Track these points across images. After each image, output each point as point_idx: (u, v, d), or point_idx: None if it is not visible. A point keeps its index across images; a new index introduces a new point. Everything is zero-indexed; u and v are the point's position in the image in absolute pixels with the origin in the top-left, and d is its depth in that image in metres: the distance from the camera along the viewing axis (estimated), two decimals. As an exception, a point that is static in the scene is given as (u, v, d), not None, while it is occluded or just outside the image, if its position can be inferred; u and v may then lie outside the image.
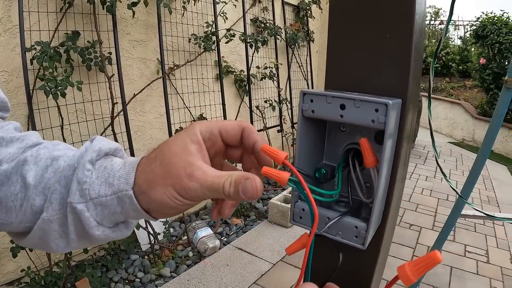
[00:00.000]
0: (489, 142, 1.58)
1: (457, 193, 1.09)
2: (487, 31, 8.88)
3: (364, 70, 0.48)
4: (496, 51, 8.59)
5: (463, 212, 1.70)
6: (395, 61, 0.45)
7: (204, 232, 3.54)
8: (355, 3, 0.48)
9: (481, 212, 1.29)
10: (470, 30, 11.48)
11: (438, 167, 6.78)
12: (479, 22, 9.52)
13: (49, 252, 0.49)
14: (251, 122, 4.70)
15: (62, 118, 2.73)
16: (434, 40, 13.82)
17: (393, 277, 0.40)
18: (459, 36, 14.00)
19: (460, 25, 13.92)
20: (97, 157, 0.49)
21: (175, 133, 3.49)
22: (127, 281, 3.03)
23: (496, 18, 9.07)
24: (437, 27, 15.15)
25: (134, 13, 2.97)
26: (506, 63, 8.41)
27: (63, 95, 2.44)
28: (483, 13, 9.87)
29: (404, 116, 0.45)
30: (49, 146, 0.52)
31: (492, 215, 1.22)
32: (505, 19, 8.84)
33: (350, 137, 0.52)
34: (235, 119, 4.68)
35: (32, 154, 0.49)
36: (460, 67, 11.58)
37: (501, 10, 8.98)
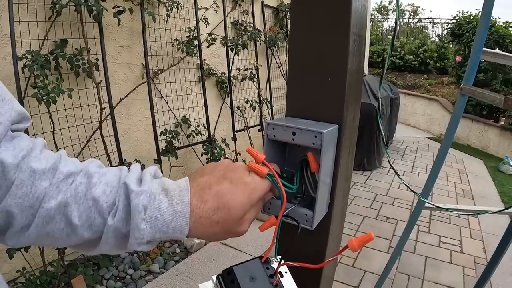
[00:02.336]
0: (448, 142, 1.75)
1: (412, 191, 1.25)
2: (463, 29, 9.13)
3: (314, 102, 0.72)
4: (471, 49, 8.81)
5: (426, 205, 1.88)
6: (334, 97, 0.66)
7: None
8: (307, 53, 0.69)
9: (431, 204, 1.46)
10: (447, 28, 11.73)
11: (414, 163, 6.99)
12: (455, 21, 9.77)
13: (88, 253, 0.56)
14: (232, 122, 4.85)
15: (53, 124, 2.84)
16: (412, 38, 14.10)
17: (344, 246, 0.59)
18: (436, 34, 14.30)
19: (438, 23, 14.23)
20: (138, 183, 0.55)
21: (159, 135, 3.61)
22: (118, 278, 3.16)
23: (471, 17, 9.33)
24: (416, 25, 15.44)
25: (120, 20, 3.09)
26: (482, 60, 8.64)
27: (55, 102, 2.55)
28: (459, 12, 10.14)
29: (341, 135, 0.66)
30: (84, 181, 0.54)
31: (442, 206, 1.39)
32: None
33: (303, 151, 0.75)
34: (217, 119, 4.82)
35: (71, 194, 0.52)
36: (438, 64, 11.84)
37: (477, 10, 9.22)
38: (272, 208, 0.72)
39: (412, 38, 14.08)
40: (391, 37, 14.05)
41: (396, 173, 1.02)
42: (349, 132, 0.73)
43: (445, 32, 13.08)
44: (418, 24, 15.51)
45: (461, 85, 1.62)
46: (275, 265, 0.61)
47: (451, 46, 11.69)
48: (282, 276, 0.60)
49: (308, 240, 0.77)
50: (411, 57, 12.10)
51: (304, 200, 0.74)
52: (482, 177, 6.73)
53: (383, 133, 0.94)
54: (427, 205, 1.75)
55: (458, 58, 9.54)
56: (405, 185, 1.10)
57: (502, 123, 8.40)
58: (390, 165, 0.93)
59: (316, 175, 0.71)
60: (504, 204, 5.39)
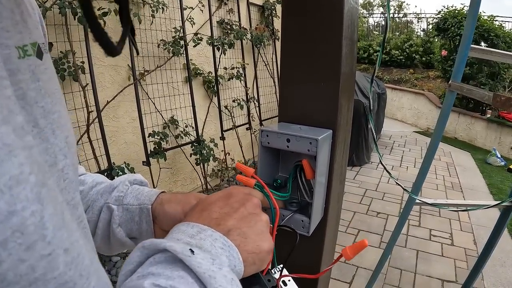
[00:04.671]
0: (437, 139, 1.76)
1: (404, 188, 1.25)
2: (448, 24, 9.16)
3: (307, 108, 0.73)
4: (457, 43, 8.88)
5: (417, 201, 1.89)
6: (328, 102, 0.67)
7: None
8: (300, 59, 0.69)
9: (422, 201, 1.46)
10: (433, 23, 11.80)
11: (402, 157, 7.03)
12: (441, 15, 9.80)
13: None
14: (221, 122, 4.84)
15: (40, 129, 2.78)
16: (398, 33, 14.17)
17: (338, 256, 0.61)
18: (422, 29, 14.38)
19: (423, 17, 14.31)
20: (134, 181, 0.73)
21: (148, 137, 3.59)
22: (110, 275, 3.11)
23: (456, 12, 9.36)
24: (401, 20, 15.52)
25: (105, 22, 3.06)
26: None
27: (41, 107, 2.49)
28: (444, 6, 10.17)
29: (335, 140, 0.66)
30: (93, 175, 0.75)
31: (433, 203, 1.40)
32: (465, 12, 9.09)
33: (297, 156, 0.74)
34: (205, 119, 4.80)
35: (80, 178, 0.70)
36: (424, 59, 11.90)
37: (462, 4, 9.27)
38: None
39: (397, 33, 14.15)
40: (377, 32, 14.11)
41: (388, 172, 1.02)
42: (342, 136, 0.74)
43: (430, 26, 13.14)
44: (403, 19, 15.59)
45: (450, 82, 1.63)
46: (276, 275, 0.60)
47: (436, 40, 11.75)
48: (285, 284, 0.60)
49: (304, 244, 0.76)
50: (397, 52, 12.15)
51: (299, 205, 0.74)
52: (470, 169, 6.79)
53: (374, 133, 0.93)
54: (418, 201, 1.75)
55: (444, 53, 9.58)
56: (397, 183, 1.10)
57: (488, 116, 8.48)
58: (382, 164, 0.93)
59: (312, 181, 0.71)
60: (492, 195, 5.45)
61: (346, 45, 0.69)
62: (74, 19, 2.87)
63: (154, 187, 3.39)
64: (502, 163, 7.02)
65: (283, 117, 0.79)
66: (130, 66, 3.55)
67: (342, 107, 0.72)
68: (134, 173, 3.44)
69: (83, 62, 3.05)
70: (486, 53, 1.65)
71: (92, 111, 3.07)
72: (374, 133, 0.98)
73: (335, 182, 0.76)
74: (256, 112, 5.85)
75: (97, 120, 3.14)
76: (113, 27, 3.43)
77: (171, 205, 0.67)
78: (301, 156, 0.73)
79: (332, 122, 0.71)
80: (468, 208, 1.62)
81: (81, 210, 0.47)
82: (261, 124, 5.88)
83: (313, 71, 0.73)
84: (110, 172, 3.18)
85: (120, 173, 3.21)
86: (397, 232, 2.09)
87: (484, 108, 8.58)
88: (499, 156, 7.13)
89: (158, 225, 0.69)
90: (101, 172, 3.17)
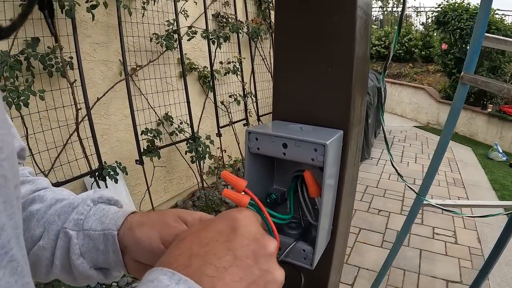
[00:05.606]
0: (447, 137, 1.63)
1: (413, 190, 1.12)
2: (448, 17, 9.04)
3: (309, 102, 0.51)
4: (457, 37, 8.79)
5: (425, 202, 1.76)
6: (337, 94, 0.48)
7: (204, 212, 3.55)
8: (299, 38, 0.50)
9: (433, 203, 1.33)
10: (432, 16, 11.67)
11: (403, 152, 6.93)
12: (441, 8, 9.68)
13: (36, 279, 0.51)
14: (217, 118, 4.70)
15: (26, 128, 2.67)
16: (396, 27, 14.01)
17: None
18: (421, 22, 14.24)
19: (422, 11, 14.16)
20: (99, 199, 0.59)
21: (140, 135, 3.46)
22: (104, 286, 3.02)
23: (457, 5, 9.24)
24: (399, 14, 15.37)
25: (93, 15, 2.92)
26: (467, 48, 8.59)
27: (26, 105, 2.40)
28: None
29: (346, 144, 0.48)
30: (56, 190, 0.62)
31: (444, 207, 1.27)
32: (465, 5, 9.02)
33: (297, 164, 0.56)
34: (201, 116, 4.67)
35: (40, 194, 0.59)
36: (423, 53, 11.79)
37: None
38: None
39: (396, 27, 13.99)
40: (375, 26, 13.99)
41: (400, 175, 0.89)
42: (355, 138, 0.56)
43: (429, 20, 13.00)
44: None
45: (462, 73, 1.50)
46: None
47: (435, 34, 11.63)
48: None
49: (304, 278, 0.58)
50: (396, 46, 12.01)
51: (302, 228, 0.57)
52: (472, 165, 6.69)
53: (384, 130, 0.80)
54: (426, 201, 1.63)
55: (444, 46, 9.44)
56: (410, 187, 0.98)
57: (489, 110, 8.36)
58: (394, 167, 0.81)
59: (317, 200, 0.53)
60: (495, 192, 5.34)
61: (360, 18, 0.51)
62: (62, 13, 2.72)
63: (148, 187, 3.29)
64: (504, 158, 6.91)
65: (279, 114, 0.59)
66: (122, 61, 3.40)
67: (355, 100, 0.53)
68: (126, 173, 3.34)
69: (71, 58, 2.91)
70: (501, 42, 1.52)
71: (81, 108, 2.93)
72: (385, 130, 0.84)
73: (345, 195, 0.57)
74: (254, 108, 5.71)
75: (87, 118, 3.00)
76: (103, 21, 3.31)
77: (143, 229, 0.53)
78: (302, 166, 0.56)
79: (343, 120, 0.52)
80: (482, 215, 1.50)
81: (5, 237, 0.34)
82: (258, 121, 5.76)
83: (317, 53, 0.54)
84: (101, 171, 3.04)
85: (112, 172, 3.08)
86: (403, 234, 1.97)
87: (485, 102, 8.47)
88: (501, 151, 7.03)
89: (130, 255, 0.55)
90: (91, 172, 3.03)
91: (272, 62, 6.15)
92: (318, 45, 0.50)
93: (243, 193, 0.44)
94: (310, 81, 0.52)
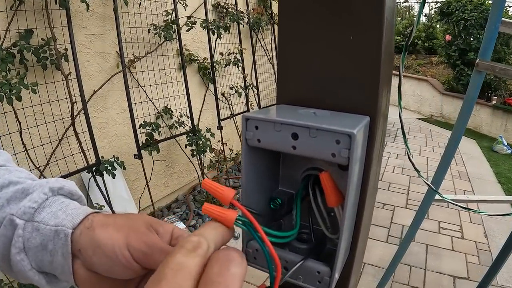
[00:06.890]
0: (460, 130, 1.53)
1: (431, 187, 1.03)
2: (452, 8, 8.94)
3: (323, 80, 0.37)
4: (461, 28, 8.68)
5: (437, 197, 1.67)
6: (361, 69, 0.35)
7: (177, 226, 3.47)
8: None
9: (455, 203, 1.24)
10: (435, 8, 11.55)
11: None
12: (444, -1, 9.59)
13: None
14: (217, 110, 4.60)
15: (19, 123, 2.58)
16: (399, 18, 13.90)
17: None
18: (424, 14, 14.12)
19: (425, 2, 14.01)
20: (60, 190, 0.49)
21: (139, 128, 3.38)
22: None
23: (461, -4, 9.14)
24: (402, 5, 15.25)
25: (88, 6, 2.82)
26: (472, 39, 8.49)
27: (19, 99, 2.31)
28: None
29: (372, 135, 0.36)
30: (12, 170, 0.53)
31: (460, 204, 1.18)
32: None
33: (309, 161, 0.43)
34: (201, 108, 4.58)
35: None
36: (426, 44, 11.69)
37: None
38: (259, 258, 0.43)
39: (399, 19, 13.87)
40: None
41: (417, 171, 0.80)
42: (382, 126, 0.41)
43: (432, 11, 12.88)
44: (404, 4, 15.31)
45: (477, 61, 1.40)
46: None
47: (438, 26, 11.52)
48: None
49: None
50: (399, 37, 11.91)
51: (313, 244, 0.44)
52: (476, 157, 6.60)
53: (402, 120, 0.71)
54: (438, 196, 1.53)
55: (448, 37, 9.34)
56: (427, 184, 0.89)
57: (494, 102, 8.26)
58: (411, 162, 0.71)
59: (337, 210, 0.41)
60: (501, 185, 5.25)
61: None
62: (56, 3, 2.62)
63: (147, 181, 3.20)
64: (509, 151, 6.82)
65: (284, 95, 0.45)
66: (119, 52, 3.30)
67: (383, 79, 0.39)
68: (124, 167, 3.24)
69: (66, 50, 2.81)
70: (519, 27, 1.42)
71: (76, 102, 2.84)
72: (402, 119, 0.74)
73: (369, 198, 0.44)
74: (255, 100, 5.61)
75: (83, 111, 2.91)
76: (99, 12, 3.20)
77: (106, 230, 0.43)
78: (316, 163, 0.43)
79: (370, 102, 0.39)
80: (495, 213, 1.41)
81: None
82: (260, 113, 5.64)
83: (333, 12, 0.40)
84: (98, 166, 2.95)
85: (109, 167, 2.99)
86: (413, 231, 1.88)
87: (489, 94, 8.37)
88: (505, 144, 6.94)
89: (83, 261, 0.44)
90: (88, 167, 2.94)
91: (273, 54, 6.08)
92: (335, 5, 0.37)
93: (230, 206, 0.33)
94: (326, 51, 0.37)
